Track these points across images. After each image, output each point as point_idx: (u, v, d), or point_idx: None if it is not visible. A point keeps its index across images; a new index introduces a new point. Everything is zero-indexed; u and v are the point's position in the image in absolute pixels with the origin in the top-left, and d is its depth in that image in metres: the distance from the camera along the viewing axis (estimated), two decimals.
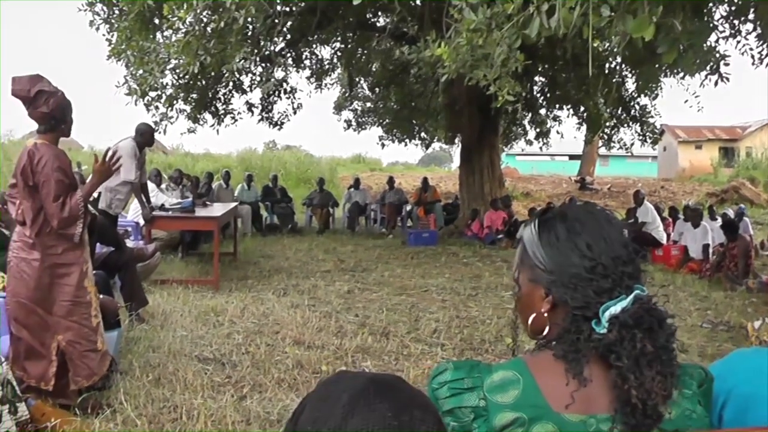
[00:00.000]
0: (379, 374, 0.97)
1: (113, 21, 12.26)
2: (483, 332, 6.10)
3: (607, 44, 10.52)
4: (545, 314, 1.31)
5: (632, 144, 18.09)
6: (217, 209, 9.46)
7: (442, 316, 6.70)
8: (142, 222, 8.70)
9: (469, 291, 8.16)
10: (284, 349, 5.36)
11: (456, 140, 19.99)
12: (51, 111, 3.90)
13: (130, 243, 7.63)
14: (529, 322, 1.36)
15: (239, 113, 14.87)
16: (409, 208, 16.10)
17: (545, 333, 1.32)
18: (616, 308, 1.21)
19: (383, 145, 20.99)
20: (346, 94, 20.32)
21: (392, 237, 14.17)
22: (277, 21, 9.61)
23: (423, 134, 22.12)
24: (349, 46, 16.82)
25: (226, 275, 8.70)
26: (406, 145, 21.67)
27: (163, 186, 11.22)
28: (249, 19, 8.74)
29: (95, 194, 7.44)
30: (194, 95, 13.28)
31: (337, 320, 6.42)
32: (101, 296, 4.67)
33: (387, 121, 20.55)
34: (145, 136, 7.87)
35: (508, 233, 13.22)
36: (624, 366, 1.17)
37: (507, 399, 1.21)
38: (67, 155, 4.05)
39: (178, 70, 10.94)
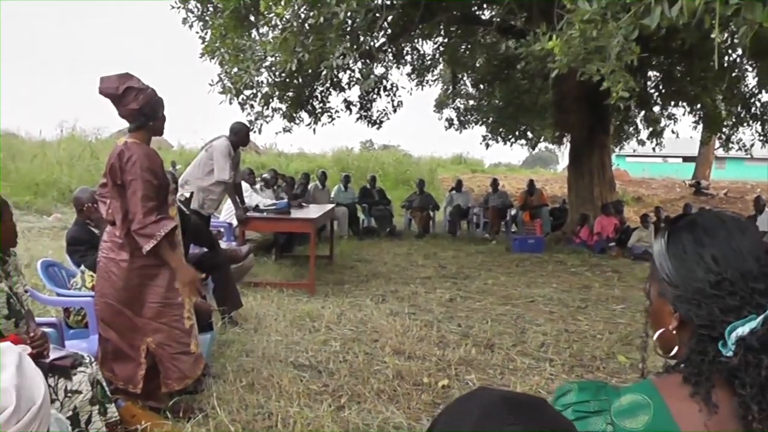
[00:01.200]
0: (518, 393, 0.93)
1: (207, 18, 12.55)
2: (593, 348, 5.96)
3: (727, 35, 10.11)
4: (674, 331, 1.25)
5: (752, 145, 17.41)
6: (313, 211, 9.58)
7: (550, 329, 6.58)
8: (235, 223, 8.87)
9: (578, 303, 7.99)
10: (383, 359, 5.36)
11: (564, 140, 19.64)
12: (141, 107, 3.94)
13: (223, 244, 7.76)
14: (655, 337, 1.31)
15: (336, 112, 15.00)
16: (513, 212, 15.94)
17: (674, 352, 1.26)
18: (743, 329, 1.14)
19: (487, 145, 20.72)
20: (448, 91, 20.21)
21: (495, 243, 14.01)
22: (378, 15, 9.62)
23: (529, 133, 21.79)
24: (452, 40, 16.73)
25: (322, 279, 8.79)
26: (511, 145, 21.36)
27: (257, 186, 11.42)
28: (349, 14, 8.78)
29: (186, 194, 7.65)
30: (290, 93, 13.43)
31: (438, 330, 6.39)
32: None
33: (491, 119, 20.31)
34: (239, 135, 8.01)
35: (619, 241, 12.89)
36: (747, 394, 1.10)
37: (636, 424, 1.15)
38: (159, 155, 4.09)
39: (274, 68, 11.09)
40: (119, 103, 3.96)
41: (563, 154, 45.72)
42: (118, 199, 3.94)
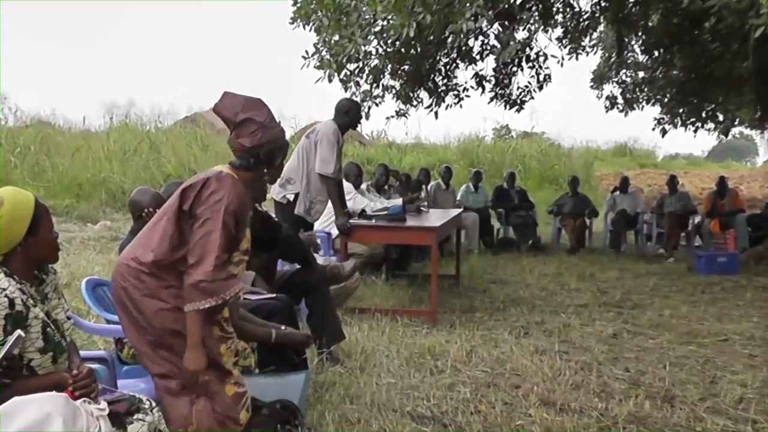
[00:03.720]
0: None
1: None
2: None
3: None
4: None
5: None
6: (435, 217, 9.54)
7: (751, 379, 6.26)
8: (335, 233, 8.87)
9: None
10: (527, 411, 5.24)
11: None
12: (253, 147, 3.91)
13: (319, 259, 7.72)
14: None
15: (465, 90, 14.90)
16: (698, 220, 15.52)
17: None
18: None
19: (663, 131, 20.24)
20: (611, 61, 19.83)
21: (674, 261, 13.72)
22: None
23: (719, 115, 21.09)
24: None
25: (446, 305, 8.77)
26: (695, 130, 20.73)
27: (363, 186, 11.44)
28: None
29: (290, 196, 7.71)
30: (406, 67, 13.33)
31: (599, 375, 6.21)
32: (283, 328, 4.77)
33: (668, 96, 19.78)
34: (350, 115, 8.02)
35: None
36: None
37: None
38: (249, 201, 4.03)
39: (386, 35, 11.07)
40: (233, 130, 3.97)
41: (766, 142, 44.40)
42: (172, 225, 3.83)
